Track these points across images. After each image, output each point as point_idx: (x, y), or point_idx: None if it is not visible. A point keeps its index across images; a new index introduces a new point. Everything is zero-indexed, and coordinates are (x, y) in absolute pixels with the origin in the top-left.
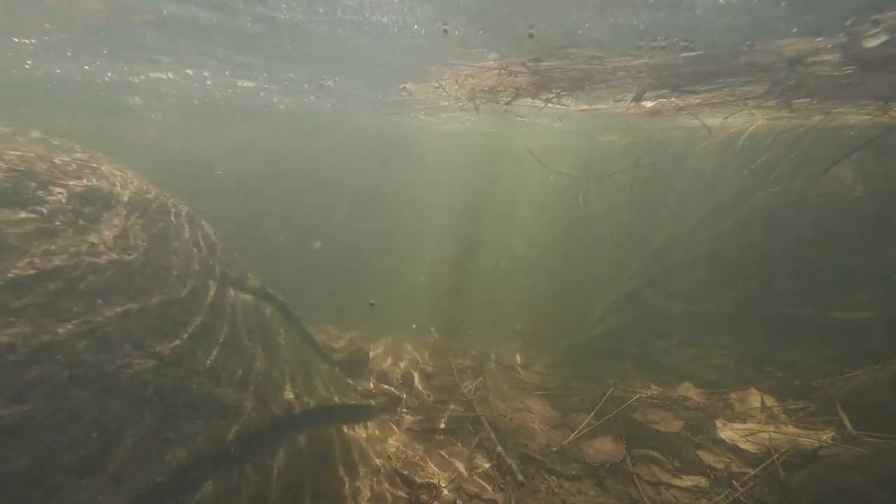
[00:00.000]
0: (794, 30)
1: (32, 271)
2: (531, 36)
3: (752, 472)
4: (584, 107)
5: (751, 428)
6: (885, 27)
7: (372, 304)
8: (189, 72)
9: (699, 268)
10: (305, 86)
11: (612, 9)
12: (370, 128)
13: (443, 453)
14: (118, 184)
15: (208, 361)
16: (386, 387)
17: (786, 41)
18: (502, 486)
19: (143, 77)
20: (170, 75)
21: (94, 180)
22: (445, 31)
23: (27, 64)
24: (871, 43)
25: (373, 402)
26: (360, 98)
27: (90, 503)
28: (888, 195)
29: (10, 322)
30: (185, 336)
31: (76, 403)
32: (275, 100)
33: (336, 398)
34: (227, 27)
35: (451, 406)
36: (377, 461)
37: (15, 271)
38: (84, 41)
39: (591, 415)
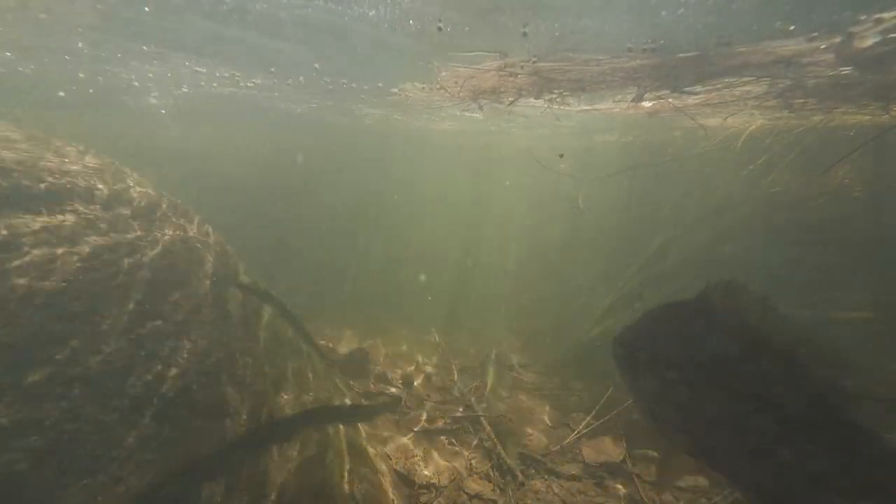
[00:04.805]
0: (792, 27)
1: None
2: (525, 35)
3: None
4: (584, 107)
5: None
6: (882, 28)
7: (429, 299)
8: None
9: (698, 268)
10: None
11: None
12: (371, 128)
13: (443, 453)
14: (129, 187)
15: (208, 361)
16: (385, 387)
17: (779, 42)
18: (502, 486)
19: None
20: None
21: (105, 184)
22: (440, 28)
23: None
24: (865, 43)
25: (372, 403)
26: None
27: (90, 503)
28: (888, 195)
29: (8, 322)
30: (185, 336)
31: (76, 403)
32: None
33: (335, 398)
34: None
35: (451, 406)
36: (377, 461)
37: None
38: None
39: (591, 415)
